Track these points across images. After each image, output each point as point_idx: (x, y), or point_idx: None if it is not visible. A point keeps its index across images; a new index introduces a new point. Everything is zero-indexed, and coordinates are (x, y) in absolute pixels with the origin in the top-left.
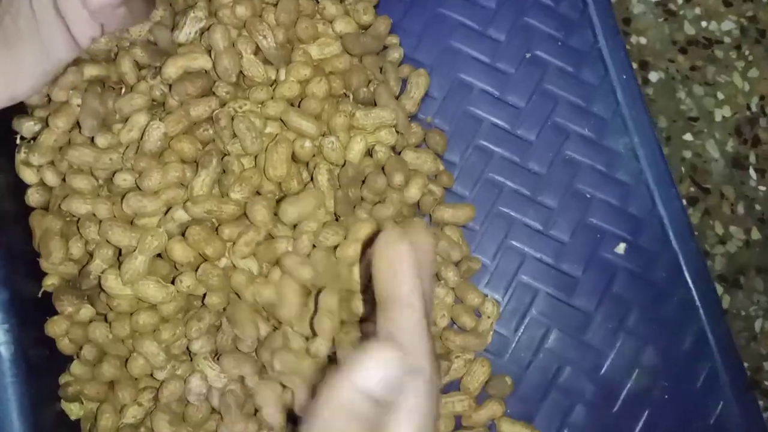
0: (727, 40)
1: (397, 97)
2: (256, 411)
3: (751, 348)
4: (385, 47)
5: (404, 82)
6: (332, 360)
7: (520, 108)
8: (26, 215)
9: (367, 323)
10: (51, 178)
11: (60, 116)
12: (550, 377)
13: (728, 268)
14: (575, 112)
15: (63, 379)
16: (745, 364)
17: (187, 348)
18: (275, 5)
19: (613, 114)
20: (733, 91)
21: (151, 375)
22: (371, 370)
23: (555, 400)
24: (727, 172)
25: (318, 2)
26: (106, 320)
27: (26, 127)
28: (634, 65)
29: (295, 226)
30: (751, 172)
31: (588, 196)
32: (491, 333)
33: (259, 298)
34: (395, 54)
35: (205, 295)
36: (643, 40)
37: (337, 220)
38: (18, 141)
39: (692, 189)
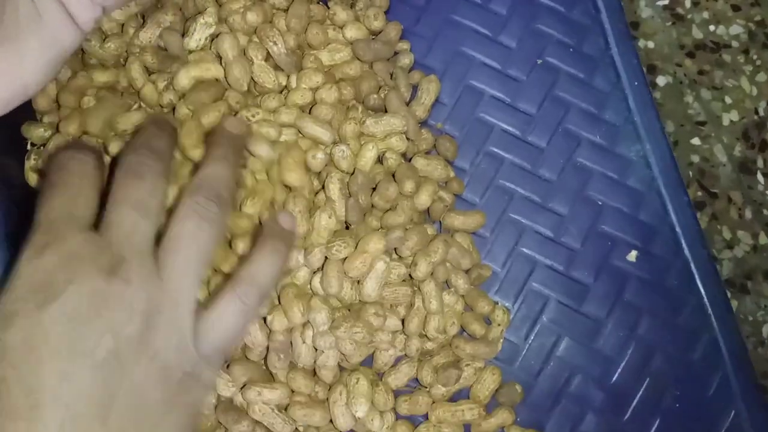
0: (735, 44)
1: (407, 103)
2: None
3: (759, 353)
4: (396, 53)
5: (414, 88)
6: None
7: (532, 114)
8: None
9: None
10: None
11: (71, 122)
12: (560, 385)
13: (735, 272)
14: (587, 118)
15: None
16: None
17: None
18: (286, 11)
19: (625, 121)
20: (740, 96)
21: None
22: None
23: (565, 408)
24: (734, 176)
25: (328, 8)
26: None
27: (36, 133)
28: None
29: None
30: (759, 176)
31: (599, 203)
32: (501, 341)
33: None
34: (406, 60)
35: None
36: (650, 44)
37: (347, 227)
38: (29, 147)
39: (699, 193)
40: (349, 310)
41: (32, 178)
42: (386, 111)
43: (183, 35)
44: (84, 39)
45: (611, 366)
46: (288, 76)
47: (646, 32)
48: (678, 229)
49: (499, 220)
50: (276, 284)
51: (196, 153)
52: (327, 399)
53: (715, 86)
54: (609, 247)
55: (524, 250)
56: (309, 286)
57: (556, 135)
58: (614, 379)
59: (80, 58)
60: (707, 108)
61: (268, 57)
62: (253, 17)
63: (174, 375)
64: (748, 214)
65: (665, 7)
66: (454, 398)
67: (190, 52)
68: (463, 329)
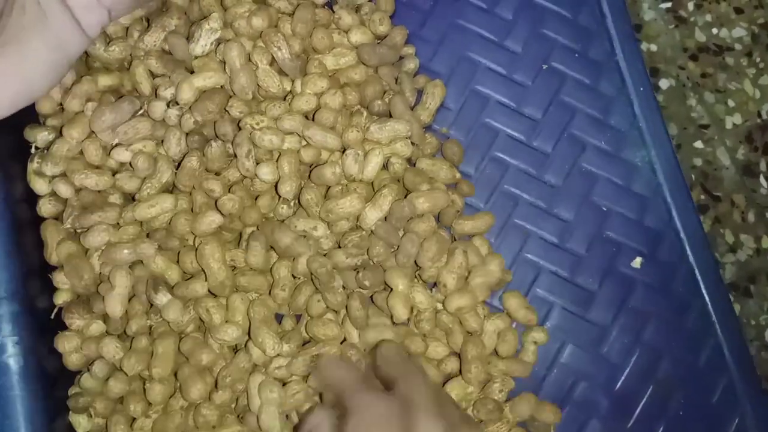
0: (738, 47)
1: (412, 108)
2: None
3: (762, 357)
4: (401, 57)
5: (420, 92)
6: None
7: (537, 120)
8: (37, 225)
9: None
10: (64, 189)
11: (74, 126)
12: (565, 391)
13: (739, 276)
14: (592, 124)
15: (72, 390)
16: None
17: None
18: (291, 15)
19: (630, 126)
20: (743, 99)
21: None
22: None
23: (570, 414)
24: (737, 179)
25: (334, 12)
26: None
27: (40, 137)
28: None
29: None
30: (762, 179)
31: (604, 209)
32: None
33: None
34: (411, 64)
35: None
36: (653, 47)
37: None
38: (32, 150)
39: (702, 197)
40: None
41: (35, 182)
42: (391, 116)
43: (188, 39)
44: (90, 44)
45: (616, 372)
46: (292, 81)
47: (649, 35)
48: (683, 235)
49: (504, 225)
50: None
51: None
52: None
53: (718, 89)
54: (614, 253)
55: (529, 255)
56: None
57: (561, 140)
58: (619, 385)
59: (84, 62)
60: (710, 111)
61: (272, 62)
62: (258, 22)
63: None
64: (751, 217)
65: (668, 9)
66: None
67: (196, 57)
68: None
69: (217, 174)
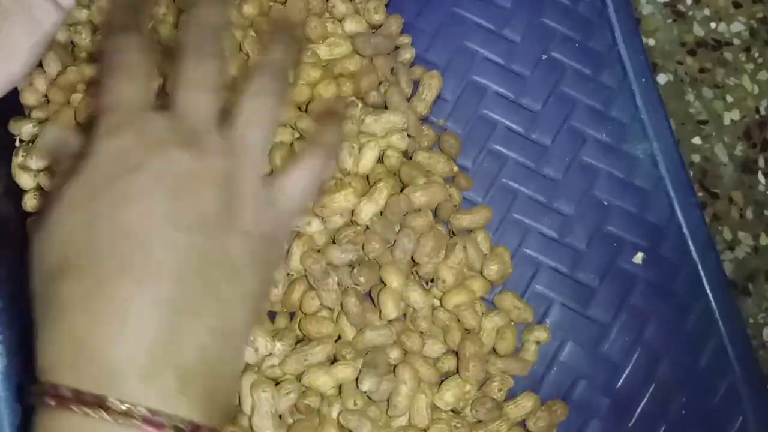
0: (736, 42)
1: (408, 99)
2: None
3: (760, 356)
4: (397, 47)
5: (416, 83)
6: None
7: (536, 111)
8: (23, 220)
9: None
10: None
11: (60, 118)
12: (564, 391)
13: (737, 274)
14: (593, 116)
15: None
16: None
17: None
18: (283, 3)
19: (632, 119)
20: (742, 94)
21: None
22: None
23: (570, 414)
24: (735, 176)
25: (327, 0)
26: None
27: (25, 129)
28: None
29: None
30: (760, 176)
31: (605, 203)
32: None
33: None
34: (407, 54)
35: None
36: (651, 42)
37: None
38: (17, 144)
39: (701, 194)
40: None
41: (20, 176)
42: (386, 107)
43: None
44: (65, 18)
45: (616, 371)
46: None
47: (647, 29)
48: (685, 230)
49: (502, 220)
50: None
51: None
52: None
53: (716, 84)
54: (615, 248)
55: (528, 251)
56: None
57: (561, 133)
58: (619, 384)
59: (70, 52)
60: (708, 107)
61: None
62: (249, 10)
63: (254, 237)
64: (749, 214)
65: (666, 3)
66: None
67: None
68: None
69: None
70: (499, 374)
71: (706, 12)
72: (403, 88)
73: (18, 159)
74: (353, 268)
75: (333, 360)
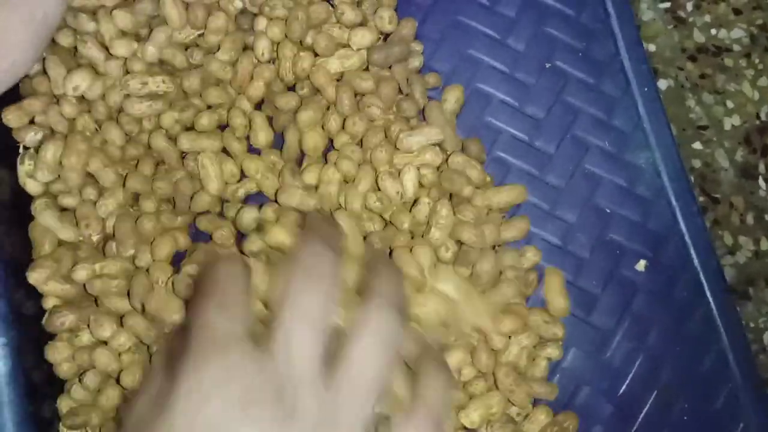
0: (736, 48)
1: (422, 110)
2: None
3: (761, 360)
4: None
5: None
6: None
7: (539, 120)
8: (26, 223)
9: None
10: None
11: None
12: (567, 397)
13: (737, 279)
14: (596, 125)
15: (63, 403)
16: None
17: None
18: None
19: (635, 128)
20: (742, 100)
21: None
22: None
23: None
24: (736, 181)
25: (333, 6)
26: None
27: (29, 137)
28: None
29: None
30: (761, 181)
31: (608, 211)
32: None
33: None
34: (416, 62)
35: None
36: (652, 48)
37: None
38: (21, 150)
39: (701, 199)
40: None
41: (27, 183)
42: (423, 120)
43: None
44: (66, 8)
45: (619, 378)
46: None
47: (647, 35)
48: (687, 238)
49: None
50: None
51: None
52: None
53: (716, 90)
54: (617, 256)
55: None
56: None
57: (564, 141)
58: (622, 390)
59: (73, 56)
60: (709, 112)
61: None
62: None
63: None
64: (749, 219)
65: (667, 9)
66: None
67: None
68: None
69: None
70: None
71: (707, 18)
72: (418, 99)
73: (25, 167)
74: None
75: None
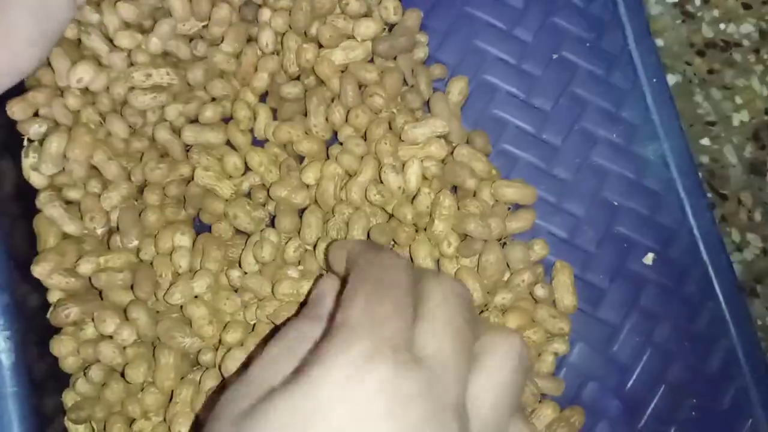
0: (745, 43)
1: (427, 102)
2: None
3: None
4: None
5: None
6: None
7: (547, 111)
8: (30, 216)
9: None
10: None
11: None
12: (573, 393)
13: (745, 276)
14: (604, 116)
15: (68, 397)
16: None
17: None
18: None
19: (644, 120)
20: (751, 96)
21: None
22: None
23: None
24: (744, 177)
25: None
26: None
27: (32, 129)
28: None
29: None
30: None
31: (616, 204)
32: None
33: None
34: (420, 53)
35: None
36: (660, 42)
37: None
38: (25, 143)
39: (709, 195)
40: None
41: (32, 176)
42: (428, 111)
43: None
44: (77, 11)
45: (626, 373)
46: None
47: (656, 30)
48: (696, 232)
49: None
50: None
51: None
52: None
53: (725, 86)
54: (625, 249)
55: None
56: None
57: (571, 133)
58: (629, 386)
59: (77, 47)
60: (717, 108)
61: None
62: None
63: None
64: (757, 216)
65: (675, 4)
66: None
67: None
68: None
69: None
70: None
71: (715, 13)
72: (423, 91)
73: (29, 160)
74: None
75: None
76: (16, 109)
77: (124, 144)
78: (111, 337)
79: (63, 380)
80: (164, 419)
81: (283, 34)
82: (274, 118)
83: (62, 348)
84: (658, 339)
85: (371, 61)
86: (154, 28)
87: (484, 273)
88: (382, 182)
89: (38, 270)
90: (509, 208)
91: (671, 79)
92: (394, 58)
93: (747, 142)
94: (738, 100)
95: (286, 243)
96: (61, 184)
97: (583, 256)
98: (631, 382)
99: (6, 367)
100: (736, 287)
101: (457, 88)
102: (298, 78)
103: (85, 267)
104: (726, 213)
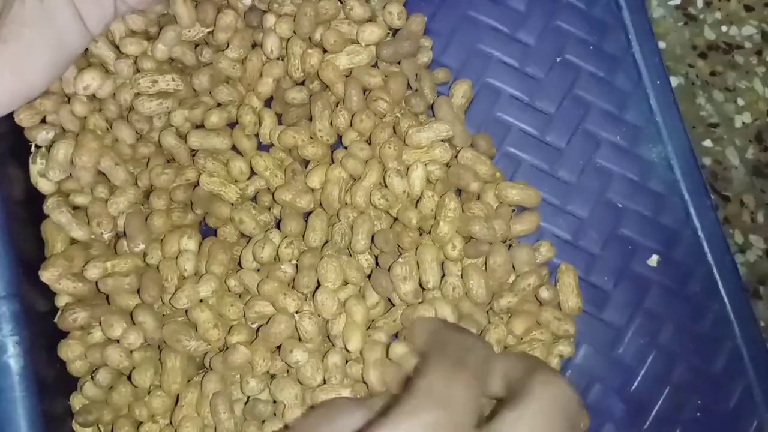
0: (747, 45)
1: (431, 105)
2: None
3: None
4: None
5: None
6: None
7: (550, 114)
8: (38, 222)
9: None
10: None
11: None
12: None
13: (748, 277)
14: (607, 119)
15: (75, 400)
16: None
17: None
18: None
19: (647, 122)
20: (753, 98)
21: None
22: None
23: None
24: (747, 179)
25: (343, 3)
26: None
27: (40, 136)
28: None
29: None
30: None
31: (620, 206)
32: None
33: None
34: (424, 57)
35: None
36: (662, 45)
37: None
38: (33, 149)
39: (712, 196)
40: None
41: (39, 182)
42: (432, 115)
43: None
44: (91, 41)
45: (631, 375)
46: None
47: (658, 32)
48: (700, 233)
49: None
50: None
51: None
52: None
53: (727, 88)
54: (629, 251)
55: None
56: None
57: (575, 135)
58: (634, 388)
59: (83, 54)
60: (720, 110)
61: None
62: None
63: None
64: (760, 218)
65: (677, 6)
66: None
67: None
68: None
69: None
70: None
71: (718, 15)
72: (426, 94)
73: (36, 166)
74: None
75: None
76: (23, 116)
77: (130, 150)
78: (118, 341)
79: (71, 384)
80: (171, 422)
81: (288, 39)
82: (279, 122)
83: (70, 352)
84: (663, 340)
85: (375, 65)
86: (159, 35)
87: (492, 275)
88: (386, 186)
89: (46, 275)
90: (513, 210)
91: (673, 81)
92: (398, 63)
93: (749, 144)
94: (740, 102)
95: (281, 242)
96: (69, 190)
97: (588, 258)
98: (636, 383)
99: (15, 372)
100: (740, 288)
101: (461, 92)
102: (302, 83)
103: (93, 272)
104: (729, 215)
